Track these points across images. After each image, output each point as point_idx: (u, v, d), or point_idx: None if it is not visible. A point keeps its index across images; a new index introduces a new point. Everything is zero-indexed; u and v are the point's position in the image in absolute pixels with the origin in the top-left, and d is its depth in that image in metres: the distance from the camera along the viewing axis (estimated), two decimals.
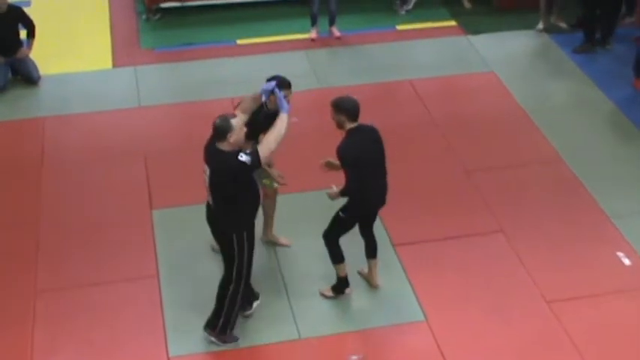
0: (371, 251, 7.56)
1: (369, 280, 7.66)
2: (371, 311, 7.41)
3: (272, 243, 8.07)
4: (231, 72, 10.87)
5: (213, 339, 7.11)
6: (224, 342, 7.10)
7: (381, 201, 7.35)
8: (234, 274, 6.90)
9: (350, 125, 6.98)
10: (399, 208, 8.14)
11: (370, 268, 7.63)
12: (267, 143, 6.59)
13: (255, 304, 7.35)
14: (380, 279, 7.64)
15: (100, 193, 8.86)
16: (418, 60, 11.20)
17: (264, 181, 7.59)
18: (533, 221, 8.38)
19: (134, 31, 11.89)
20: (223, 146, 6.52)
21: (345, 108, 6.95)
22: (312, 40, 11.53)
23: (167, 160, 9.24)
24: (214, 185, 6.64)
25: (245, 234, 6.79)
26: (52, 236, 8.21)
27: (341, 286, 7.48)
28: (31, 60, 10.66)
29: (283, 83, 7.17)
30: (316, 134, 9.21)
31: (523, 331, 7.16)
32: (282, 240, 8.10)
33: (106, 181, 9.02)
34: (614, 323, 7.24)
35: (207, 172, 6.65)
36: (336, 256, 7.36)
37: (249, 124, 6.86)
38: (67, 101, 10.27)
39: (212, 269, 7.74)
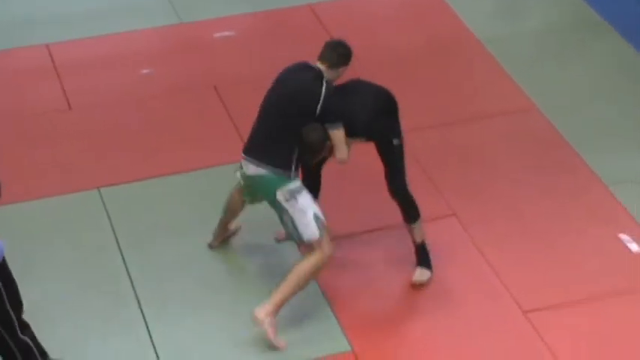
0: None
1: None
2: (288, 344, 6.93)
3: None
4: (41, 7, 10.51)
5: None
6: None
7: None
8: None
9: None
10: None
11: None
12: None
13: None
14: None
15: None
16: None
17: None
18: (498, 198, 8.07)
19: None
20: None
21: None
22: None
23: None
24: None
25: None
26: None
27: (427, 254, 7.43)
28: None
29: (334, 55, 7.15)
30: (177, 90, 9.26)
31: (495, 356, 6.94)
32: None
33: None
34: (616, 337, 7.04)
35: None
36: (417, 208, 7.26)
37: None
38: None
39: None
